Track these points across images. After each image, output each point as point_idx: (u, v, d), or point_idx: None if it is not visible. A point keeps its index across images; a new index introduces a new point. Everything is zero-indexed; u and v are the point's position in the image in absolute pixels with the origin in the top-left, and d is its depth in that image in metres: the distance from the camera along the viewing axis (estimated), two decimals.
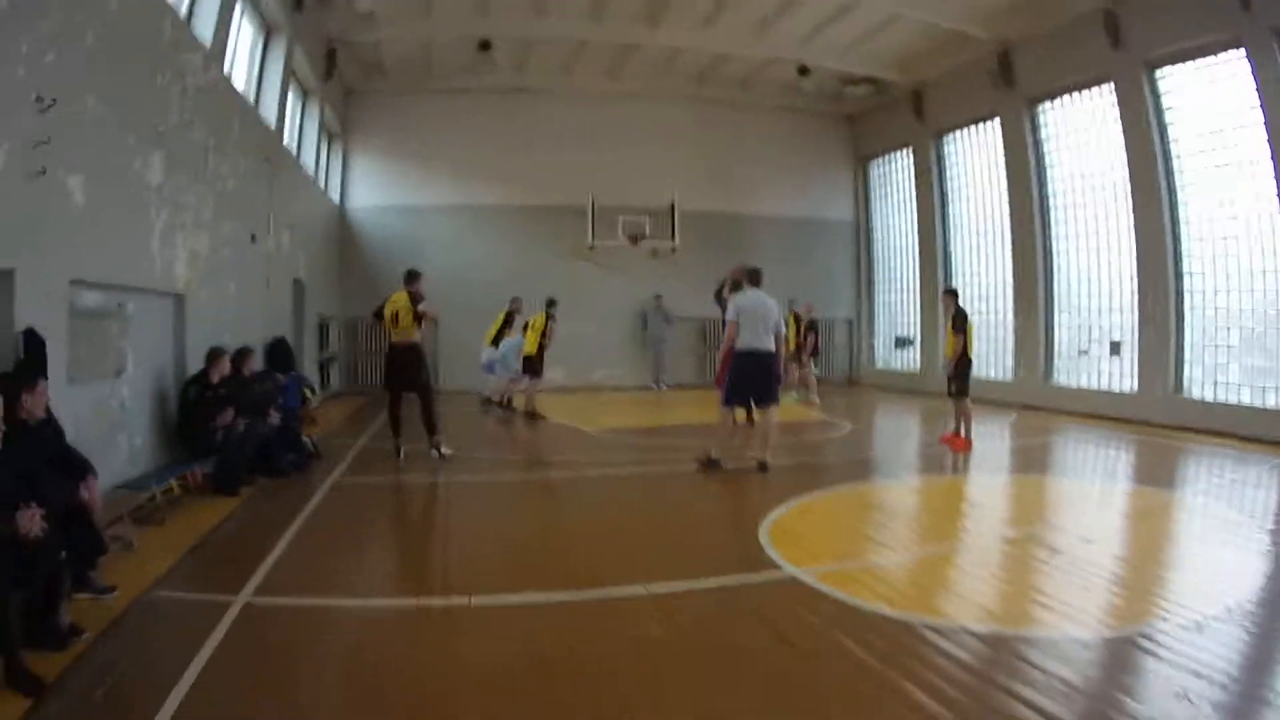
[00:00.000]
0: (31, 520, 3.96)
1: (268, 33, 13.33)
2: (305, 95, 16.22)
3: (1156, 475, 9.84)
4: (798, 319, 16.60)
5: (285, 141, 14.21)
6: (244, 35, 12.20)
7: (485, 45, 17.91)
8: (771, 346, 9.25)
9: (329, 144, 19.05)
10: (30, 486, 4.20)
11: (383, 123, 20.30)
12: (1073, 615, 4.62)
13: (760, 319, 9.21)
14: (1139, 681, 3.82)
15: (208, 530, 6.53)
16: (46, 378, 5.05)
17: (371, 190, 20.42)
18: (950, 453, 10.77)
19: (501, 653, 4.30)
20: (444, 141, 20.19)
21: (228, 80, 10.69)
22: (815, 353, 17.57)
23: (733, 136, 21.76)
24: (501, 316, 15.53)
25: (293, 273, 14.33)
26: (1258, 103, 11.76)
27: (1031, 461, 10.99)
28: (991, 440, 12.21)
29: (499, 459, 10.81)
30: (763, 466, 9.12)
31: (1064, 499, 8.71)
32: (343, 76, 18.42)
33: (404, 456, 9.84)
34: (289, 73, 14.01)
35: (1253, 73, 11.83)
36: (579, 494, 8.82)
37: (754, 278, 9.57)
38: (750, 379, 9.28)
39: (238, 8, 11.13)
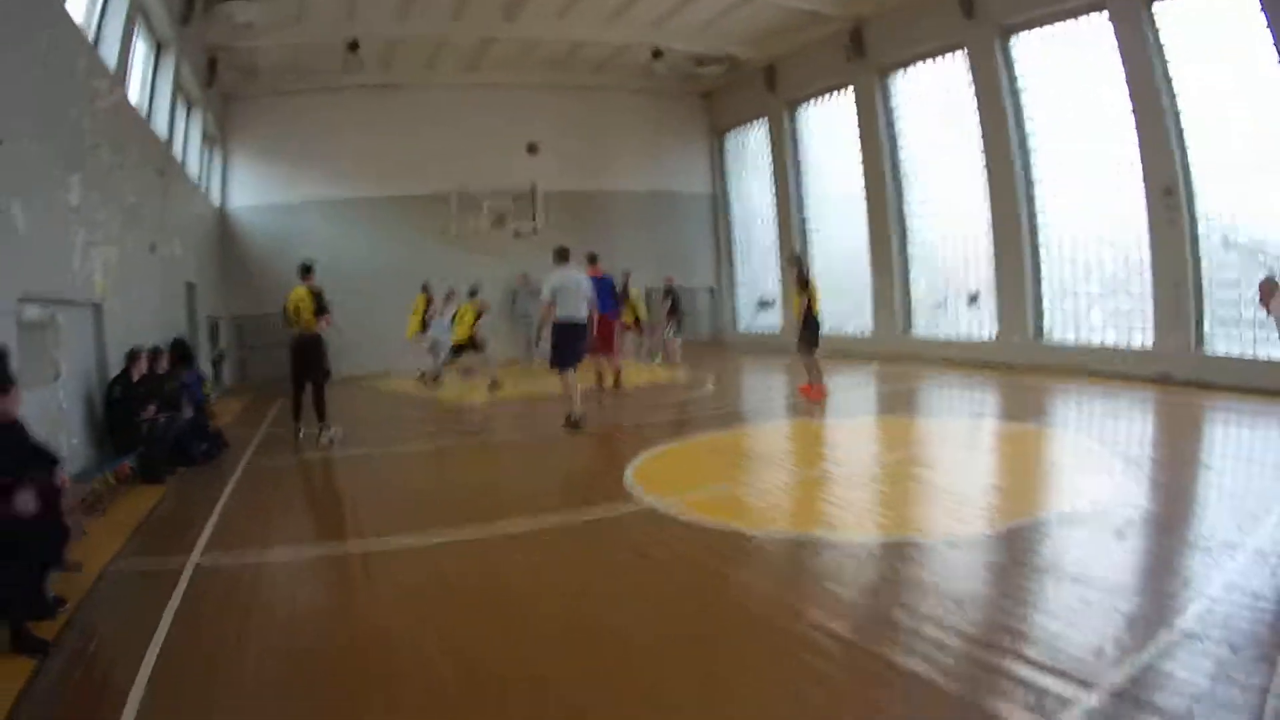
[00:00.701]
0: (28, 501, 4.95)
1: (158, 49, 13.99)
2: (189, 105, 16.78)
3: (987, 410, 11.84)
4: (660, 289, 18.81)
5: (174, 151, 14.88)
6: (138, 54, 12.90)
7: (354, 46, 18.66)
8: (584, 316, 10.72)
9: (209, 149, 19.55)
10: (15, 475, 5.19)
11: (259, 125, 20.92)
12: (881, 524, 6.18)
13: (571, 293, 10.61)
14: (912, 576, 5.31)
15: (145, 513, 7.51)
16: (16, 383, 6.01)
17: (250, 191, 21.03)
18: (806, 401, 12.23)
19: (412, 578, 5.63)
20: (318, 139, 20.89)
21: (127, 100, 11.47)
22: (675, 318, 18.89)
23: (591, 119, 23.10)
24: (421, 302, 16.88)
25: (185, 276, 15.07)
26: (1118, 61, 12.94)
27: (876, 405, 12.91)
28: (847, 390, 13.80)
29: (391, 434, 11.88)
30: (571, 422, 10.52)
31: (904, 434, 10.36)
32: (221, 83, 19.00)
33: (302, 439, 10.83)
34: (177, 85, 14.69)
35: (1115, 35, 12.96)
36: (469, 457, 10.12)
37: (562, 256, 10.95)
38: (569, 344, 10.70)
39: (135, 29, 11.89)
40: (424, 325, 17.39)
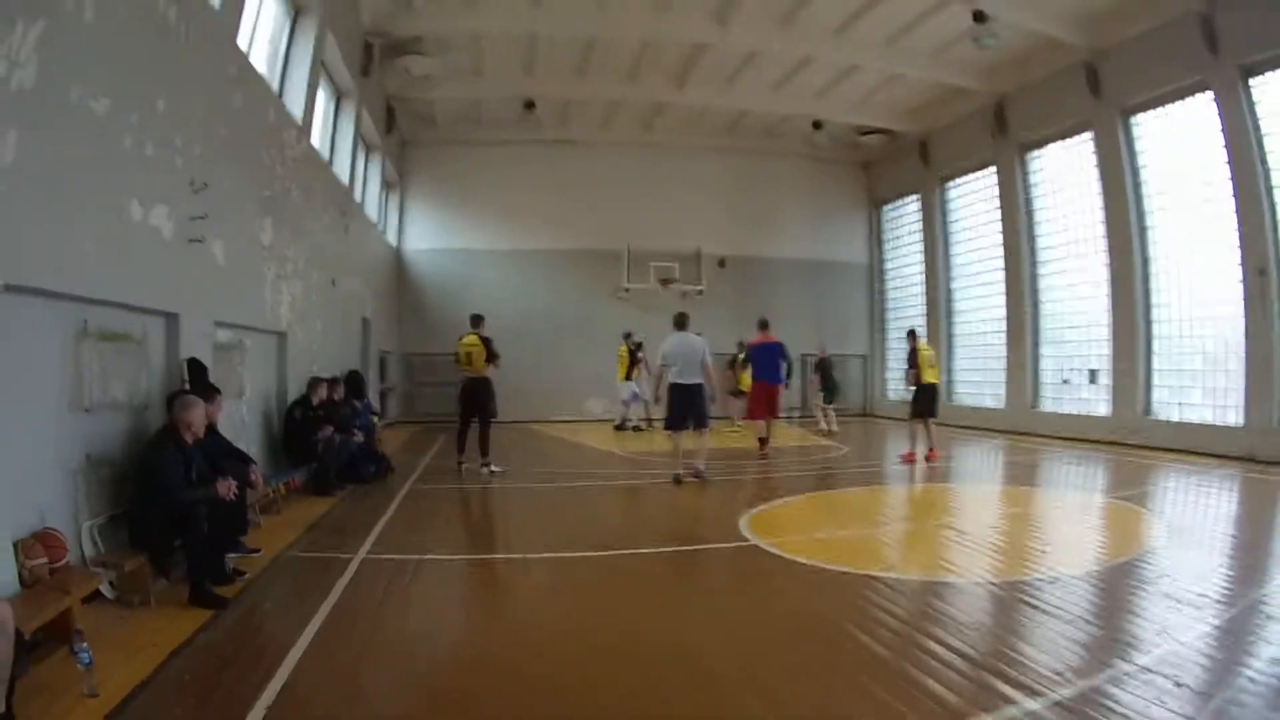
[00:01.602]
0: (228, 488, 5.72)
1: (338, 98, 15.22)
2: (368, 150, 18.08)
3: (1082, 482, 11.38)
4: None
5: (354, 193, 16.06)
6: (320, 104, 14.07)
7: (530, 105, 19.85)
8: (699, 380, 10.88)
9: (387, 192, 20.92)
10: (216, 468, 5.95)
11: (436, 170, 22.27)
12: (957, 571, 6.23)
13: (683, 357, 10.85)
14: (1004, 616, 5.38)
15: (317, 517, 8.25)
16: (220, 392, 6.84)
17: (426, 234, 22.36)
18: (905, 464, 12.67)
19: (546, 582, 6.12)
20: (492, 189, 22.07)
21: (312, 147, 12.54)
22: (827, 387, 19.09)
23: (755, 184, 23.53)
24: (626, 353, 17.98)
25: (361, 311, 16.17)
26: (1222, 142, 13.23)
27: (975, 472, 12.82)
28: (962, 459, 14.07)
29: (543, 471, 12.40)
30: (698, 474, 10.81)
31: (988, 500, 10.27)
32: (400, 130, 20.37)
33: (465, 471, 11.51)
34: (357, 132, 15.90)
35: (1219, 114, 13.27)
36: (602, 496, 10.46)
37: (680, 323, 11.24)
38: (684, 407, 10.92)
39: (319, 81, 13.02)
40: (628, 375, 18.13)
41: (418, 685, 4.16)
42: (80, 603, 4.70)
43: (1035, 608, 5.16)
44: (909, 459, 12.85)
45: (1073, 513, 9.08)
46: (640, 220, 22.12)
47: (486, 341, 11.48)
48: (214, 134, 8.03)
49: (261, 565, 6.34)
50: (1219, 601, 5.22)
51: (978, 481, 12.01)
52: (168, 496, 5.40)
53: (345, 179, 15.04)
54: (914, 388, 13.26)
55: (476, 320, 11.83)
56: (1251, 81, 12.91)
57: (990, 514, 9.20)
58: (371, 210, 18.52)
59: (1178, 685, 3.88)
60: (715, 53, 17.26)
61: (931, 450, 12.93)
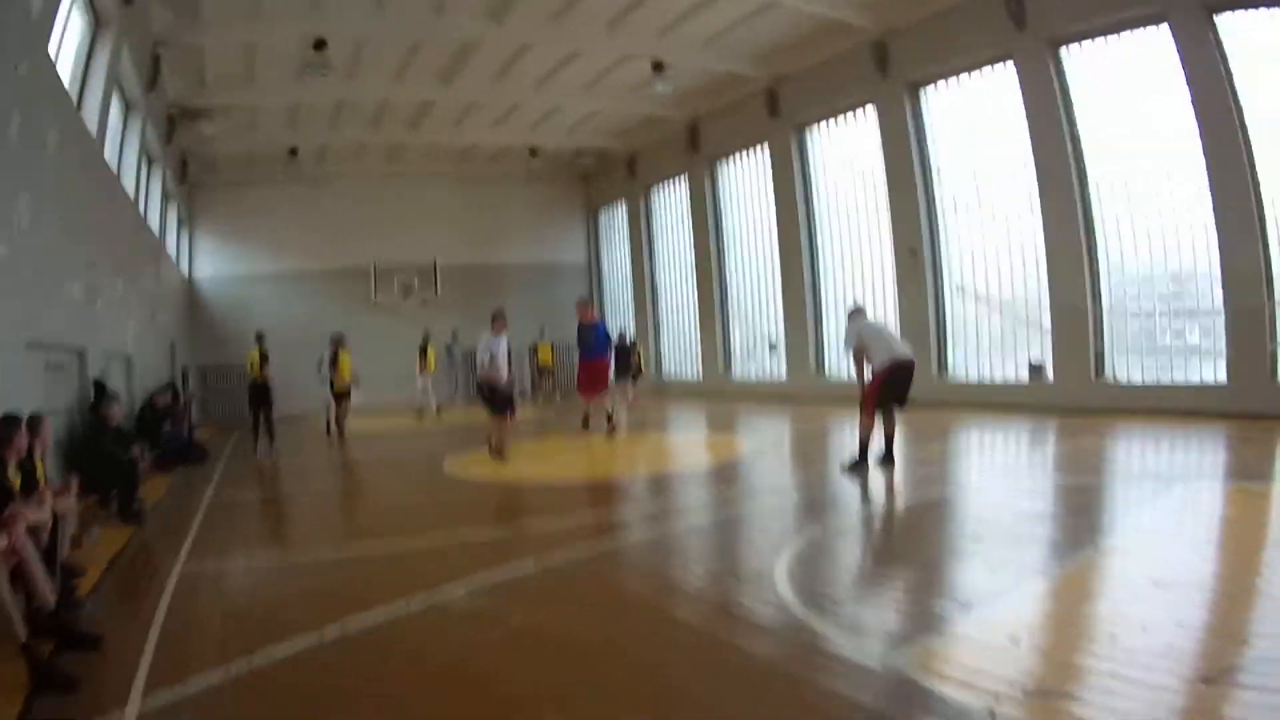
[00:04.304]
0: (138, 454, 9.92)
1: (149, 161, 18.85)
2: (167, 198, 21.58)
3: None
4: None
5: (166, 241, 19.77)
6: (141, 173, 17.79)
7: (294, 151, 24.20)
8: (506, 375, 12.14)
9: (179, 230, 24.32)
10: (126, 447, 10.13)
11: (217, 209, 26.07)
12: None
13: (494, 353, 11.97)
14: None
15: (170, 482, 12.31)
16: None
17: (210, 264, 26.11)
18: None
19: (300, 512, 10.61)
20: (263, 221, 26.10)
21: (143, 217, 16.40)
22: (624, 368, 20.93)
23: (485, 201, 28.64)
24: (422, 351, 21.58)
25: (170, 336, 19.85)
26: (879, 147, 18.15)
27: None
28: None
29: (312, 453, 16.62)
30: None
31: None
32: (190, 177, 23.98)
33: (259, 453, 15.56)
34: (164, 186, 19.62)
35: (880, 125, 17.94)
36: (368, 469, 14.91)
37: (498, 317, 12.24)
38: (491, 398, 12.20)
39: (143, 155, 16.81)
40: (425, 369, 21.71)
41: None
42: None
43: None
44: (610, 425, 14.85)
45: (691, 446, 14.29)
46: (385, 240, 26.84)
47: (264, 355, 15.29)
48: (105, 238, 12.04)
49: (156, 500, 10.45)
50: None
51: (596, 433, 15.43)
52: None
53: (157, 230, 18.76)
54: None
55: (259, 338, 15.65)
56: (922, 92, 17.23)
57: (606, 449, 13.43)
58: (172, 249, 22.06)
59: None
60: (441, 104, 21.95)
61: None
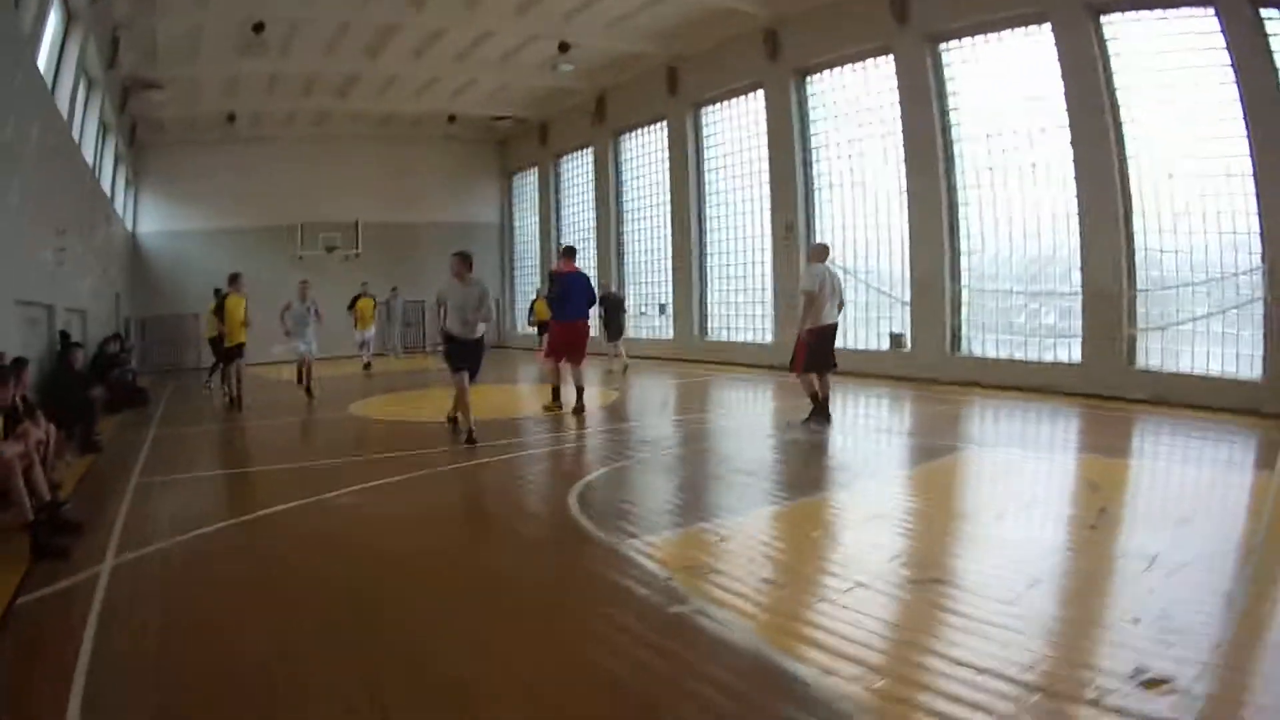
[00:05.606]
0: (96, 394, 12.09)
1: (104, 128, 20.62)
2: (117, 160, 23.36)
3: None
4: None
5: (114, 200, 21.61)
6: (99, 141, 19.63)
7: (231, 118, 25.86)
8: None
9: (126, 188, 26.04)
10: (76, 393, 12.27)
11: (161, 168, 27.57)
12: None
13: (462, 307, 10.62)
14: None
15: (120, 418, 14.41)
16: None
17: (153, 219, 27.73)
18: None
19: (236, 439, 12.92)
20: (202, 180, 27.44)
21: (98, 182, 18.33)
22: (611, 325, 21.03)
23: (406, 163, 30.30)
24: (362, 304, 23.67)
25: (116, 289, 21.76)
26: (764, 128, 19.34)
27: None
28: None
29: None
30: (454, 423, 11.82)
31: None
32: (136, 138, 25.72)
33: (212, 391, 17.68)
34: (116, 152, 21.44)
35: (765, 107, 19.17)
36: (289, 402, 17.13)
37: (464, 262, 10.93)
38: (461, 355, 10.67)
39: (103, 132, 18.67)
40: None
41: None
42: None
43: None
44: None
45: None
46: (313, 200, 28.65)
47: (218, 307, 16.83)
48: (72, 201, 14.06)
49: (109, 437, 12.61)
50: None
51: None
52: None
53: (109, 190, 20.63)
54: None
55: (217, 292, 17.30)
56: (808, 79, 18.29)
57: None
58: (119, 206, 23.86)
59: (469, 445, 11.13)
60: (367, 76, 23.56)
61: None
